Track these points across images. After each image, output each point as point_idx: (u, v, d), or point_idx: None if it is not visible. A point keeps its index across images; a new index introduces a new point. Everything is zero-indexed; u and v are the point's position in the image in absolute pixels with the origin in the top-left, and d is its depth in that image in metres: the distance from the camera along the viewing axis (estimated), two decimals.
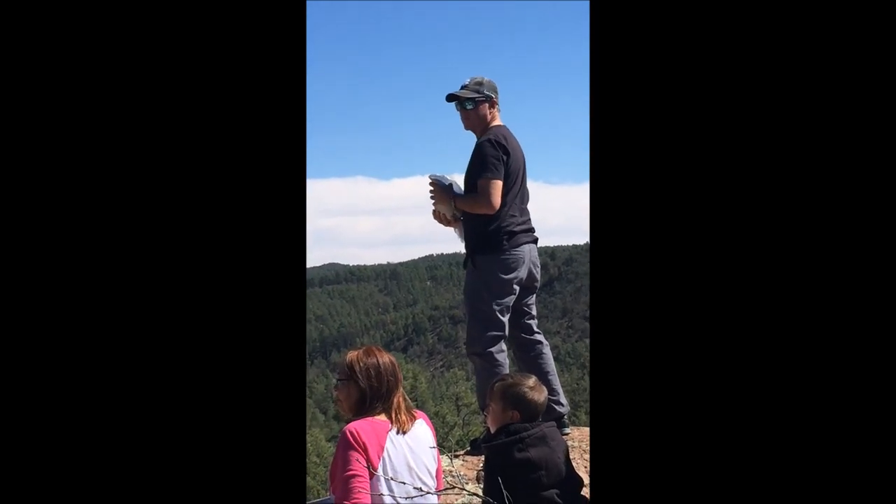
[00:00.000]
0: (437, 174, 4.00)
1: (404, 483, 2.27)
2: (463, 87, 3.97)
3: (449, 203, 3.90)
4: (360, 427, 2.32)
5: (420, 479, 2.34)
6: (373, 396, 2.42)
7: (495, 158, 3.74)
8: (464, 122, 4.00)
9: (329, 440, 40.02)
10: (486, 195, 3.71)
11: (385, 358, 2.49)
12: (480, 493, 2.52)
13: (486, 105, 3.93)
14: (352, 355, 2.52)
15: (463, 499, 3.14)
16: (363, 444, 2.28)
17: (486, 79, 3.99)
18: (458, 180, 4.03)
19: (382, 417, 2.40)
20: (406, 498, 2.26)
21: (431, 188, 3.96)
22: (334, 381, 2.60)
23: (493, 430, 2.65)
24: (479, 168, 3.78)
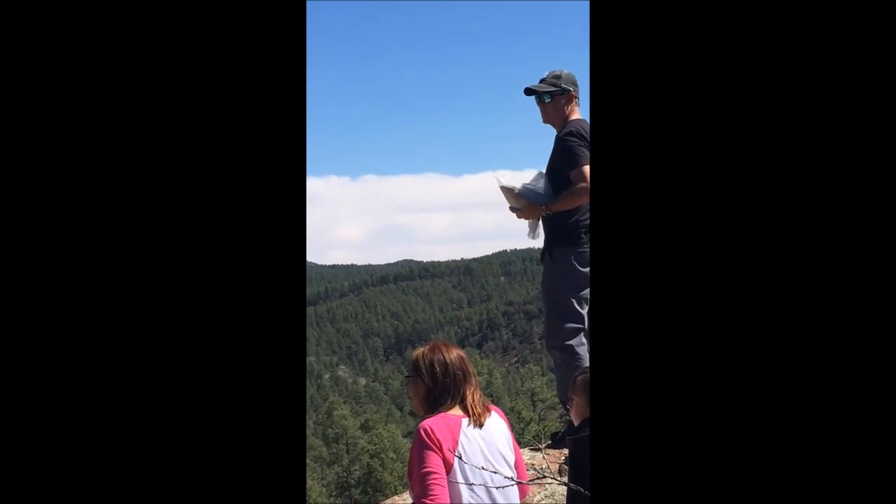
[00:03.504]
0: (504, 181, 3.96)
1: (483, 468, 2.28)
2: (541, 81, 3.95)
3: (538, 213, 3.86)
4: (434, 424, 2.34)
5: (497, 470, 2.34)
6: (441, 392, 2.43)
7: (579, 146, 3.70)
8: (542, 115, 3.98)
9: (405, 436, 40.36)
10: (584, 184, 3.67)
11: (452, 353, 2.50)
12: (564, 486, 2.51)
13: (564, 98, 3.90)
14: (417, 352, 2.54)
15: (545, 491, 3.14)
16: (437, 440, 2.29)
17: (565, 72, 3.95)
18: (521, 176, 4.00)
19: (456, 412, 2.41)
20: (484, 486, 2.27)
21: (517, 206, 3.92)
22: (405, 377, 2.62)
23: (576, 423, 2.63)
24: (566, 160, 3.74)
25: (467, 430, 2.36)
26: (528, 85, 3.99)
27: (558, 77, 3.92)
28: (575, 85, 3.95)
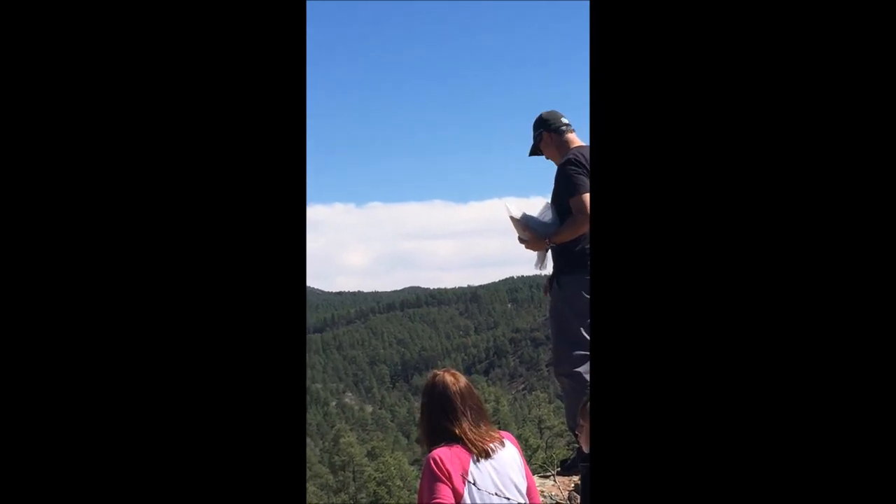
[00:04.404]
0: (513, 211, 4.00)
1: (497, 494, 2.28)
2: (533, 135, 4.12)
3: (543, 245, 3.91)
4: (444, 454, 2.32)
5: (509, 498, 2.34)
6: (448, 422, 2.42)
7: (578, 174, 3.75)
8: (555, 161, 4.08)
9: (412, 463, 40.09)
10: (584, 212, 3.69)
11: (450, 387, 2.48)
12: None
13: (545, 138, 4.02)
14: (426, 381, 2.54)
15: None
16: (447, 471, 2.27)
17: (540, 115, 4.08)
18: (529, 204, 4.05)
19: (464, 442, 2.38)
20: None
21: (524, 238, 3.98)
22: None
23: (586, 450, 2.64)
24: (567, 189, 3.79)
25: (477, 460, 2.34)
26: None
27: (537, 125, 4.06)
28: (551, 119, 4.04)
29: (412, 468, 38.18)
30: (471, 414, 2.43)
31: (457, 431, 2.38)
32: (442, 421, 2.41)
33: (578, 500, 3.07)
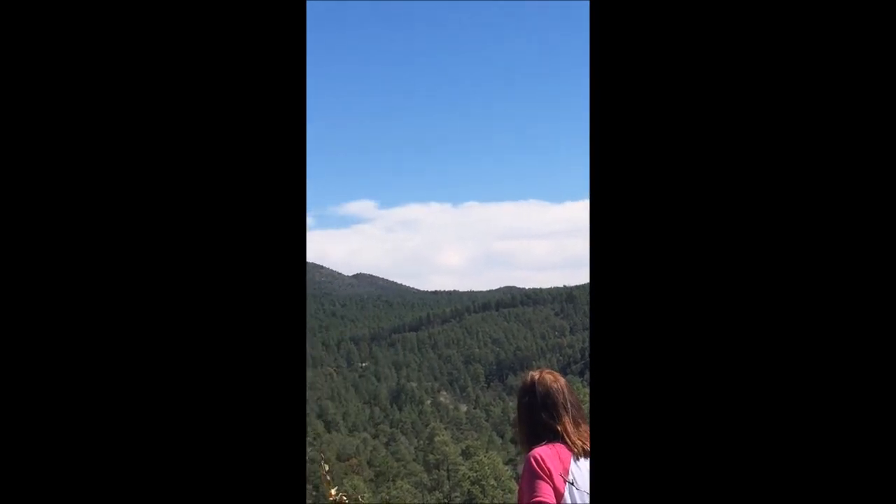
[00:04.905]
0: None
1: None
2: None
3: None
4: (544, 453, 2.30)
5: None
6: (550, 419, 2.39)
7: None
8: None
9: (506, 463, 40.23)
10: None
11: (550, 385, 2.45)
12: None
13: None
14: (524, 381, 2.51)
15: None
16: (548, 470, 2.25)
17: None
18: None
19: (565, 440, 2.36)
20: None
21: None
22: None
23: None
24: None
25: (577, 460, 2.31)
26: None
27: None
28: None
29: (506, 468, 38.32)
30: (572, 412, 2.41)
31: (558, 429, 2.36)
32: (543, 419, 2.39)
33: None
